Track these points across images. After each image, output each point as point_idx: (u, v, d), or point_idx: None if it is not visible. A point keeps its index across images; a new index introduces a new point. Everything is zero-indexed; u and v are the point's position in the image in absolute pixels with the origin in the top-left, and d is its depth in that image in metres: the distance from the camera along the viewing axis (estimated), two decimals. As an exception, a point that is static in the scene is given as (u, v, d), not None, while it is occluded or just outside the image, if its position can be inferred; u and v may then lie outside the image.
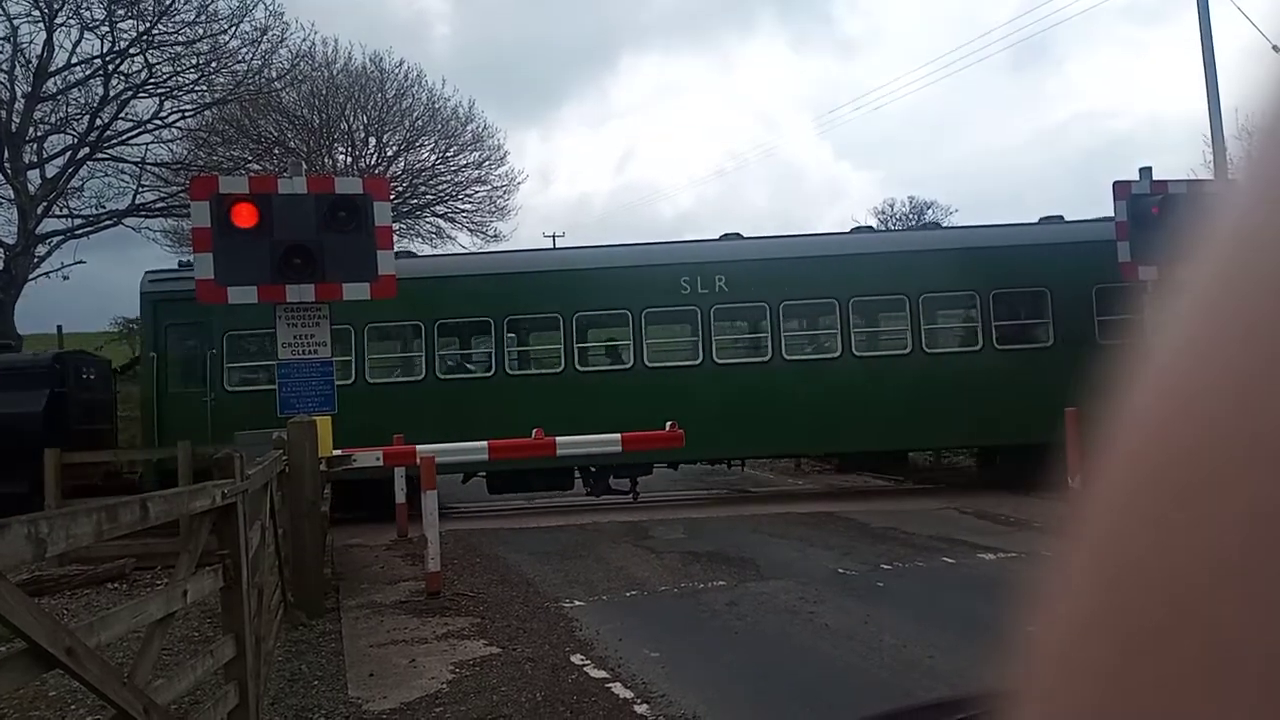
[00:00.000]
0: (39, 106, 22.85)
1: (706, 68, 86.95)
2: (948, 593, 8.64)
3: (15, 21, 22.17)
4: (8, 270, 21.51)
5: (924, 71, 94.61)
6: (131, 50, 23.07)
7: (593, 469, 15.54)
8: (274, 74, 25.46)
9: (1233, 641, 0.25)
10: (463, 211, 31.85)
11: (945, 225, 18.11)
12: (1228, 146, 16.21)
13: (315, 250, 9.84)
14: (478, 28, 65.36)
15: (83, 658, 3.06)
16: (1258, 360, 0.26)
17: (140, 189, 25.04)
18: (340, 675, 6.93)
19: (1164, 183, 13.25)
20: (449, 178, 31.18)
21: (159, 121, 24.47)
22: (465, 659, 7.07)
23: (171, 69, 23.80)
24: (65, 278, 23.17)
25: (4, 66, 22.33)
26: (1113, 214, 17.09)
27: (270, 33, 24.49)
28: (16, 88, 22.52)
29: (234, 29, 23.95)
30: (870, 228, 17.28)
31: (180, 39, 23.42)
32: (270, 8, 24.25)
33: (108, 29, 22.65)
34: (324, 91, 28.35)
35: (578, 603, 8.70)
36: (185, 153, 25.54)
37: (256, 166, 25.77)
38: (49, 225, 23.43)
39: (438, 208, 31.68)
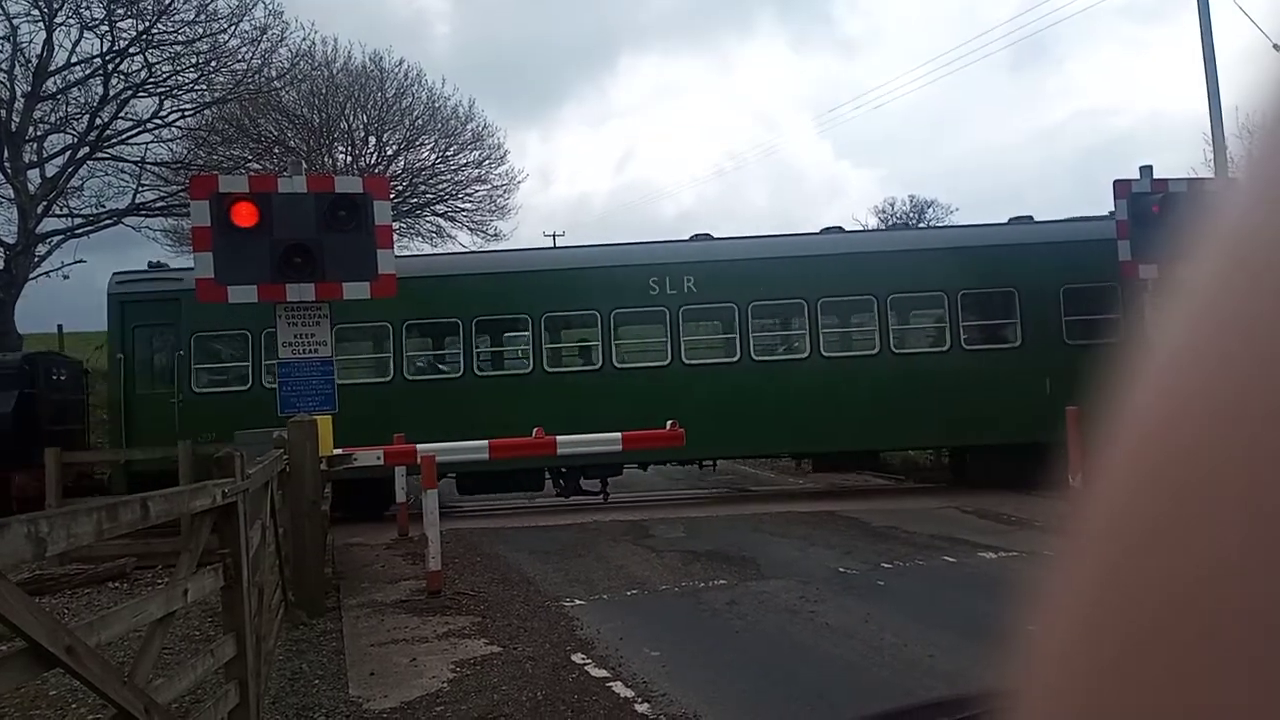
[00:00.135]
0: (39, 106, 22.84)
1: (706, 67, 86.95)
2: (949, 592, 8.65)
3: (15, 21, 22.18)
4: (8, 269, 21.50)
5: (924, 70, 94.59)
6: (131, 49, 23.05)
7: (563, 470, 15.55)
8: (274, 73, 25.45)
9: (1233, 641, 0.25)
10: (463, 210, 31.85)
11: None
12: (1228, 145, 16.21)
13: (315, 249, 9.84)
14: (478, 27, 65.39)
15: (83, 657, 3.06)
16: (1258, 359, 0.26)
17: (140, 188, 25.04)
18: (341, 674, 6.93)
19: (1164, 181, 13.26)
20: (449, 177, 31.17)
21: (159, 121, 24.46)
22: (466, 658, 7.07)
23: (171, 68, 23.79)
24: (65, 277, 23.16)
25: (4, 66, 22.33)
26: (1085, 215, 17.27)
27: (270, 32, 24.50)
28: (16, 87, 22.52)
29: (233, 28, 23.94)
30: (840, 228, 17.18)
31: (180, 38, 23.40)
32: (270, 7, 24.25)
33: (107, 28, 22.64)
34: (324, 91, 28.33)
35: (578, 602, 8.70)
36: (185, 152, 25.52)
37: (256, 166, 25.77)
38: (49, 224, 23.42)
39: (438, 207, 31.67)
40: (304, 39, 26.88)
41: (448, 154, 30.73)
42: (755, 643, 7.21)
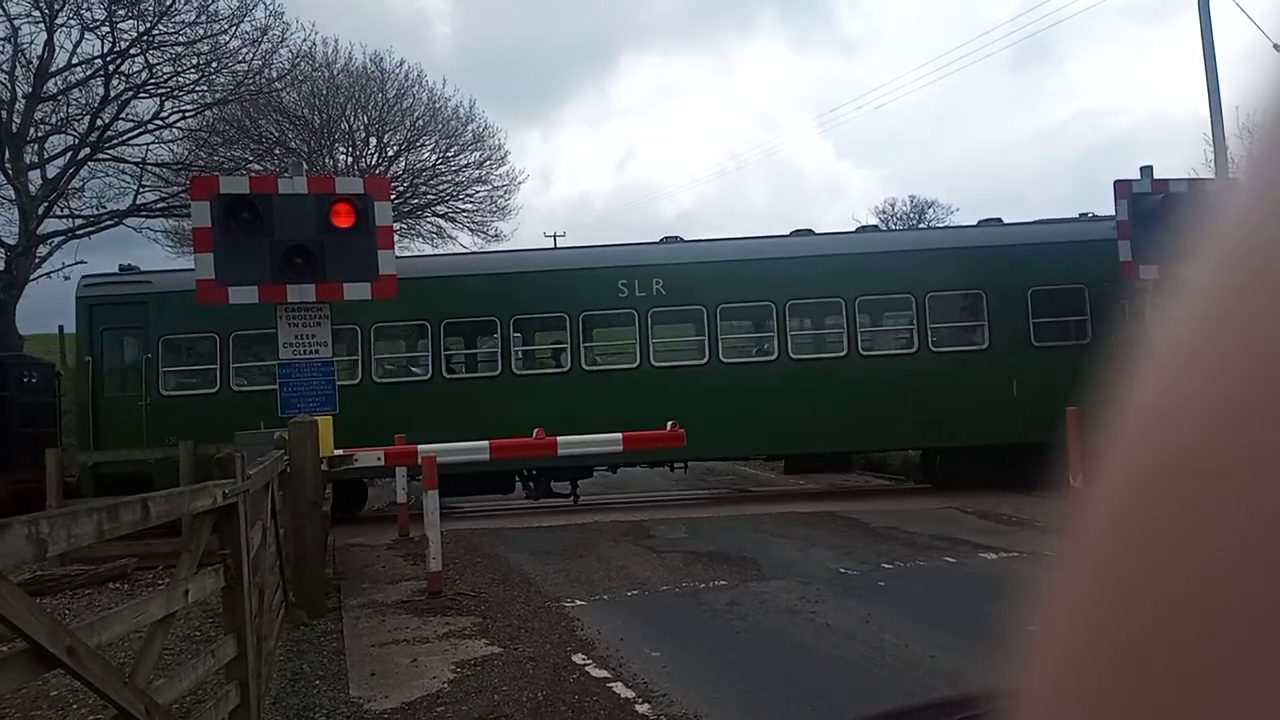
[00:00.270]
0: (40, 107, 22.85)
1: (707, 67, 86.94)
2: (949, 592, 8.65)
3: (16, 22, 22.19)
4: (9, 271, 21.51)
5: (925, 70, 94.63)
6: (132, 51, 23.07)
7: (534, 472, 15.53)
8: (274, 74, 25.45)
9: (1233, 640, 0.25)
10: (463, 211, 31.85)
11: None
12: (1229, 145, 16.21)
13: (316, 250, 9.85)
14: (478, 27, 65.41)
15: (84, 657, 3.06)
16: (1258, 359, 0.26)
17: (141, 189, 25.05)
18: (342, 675, 6.93)
19: (1165, 181, 13.26)
20: (450, 177, 31.17)
21: (160, 122, 24.48)
22: (466, 658, 7.07)
23: (172, 69, 23.80)
24: (66, 278, 23.10)
25: (5, 67, 22.34)
26: (1055, 216, 17.34)
27: (271, 33, 24.51)
28: (17, 88, 22.53)
29: (234, 29, 23.95)
30: (810, 231, 17.18)
31: (181, 39, 23.41)
32: (270, 8, 24.26)
33: (108, 29, 22.65)
34: (324, 91, 28.34)
35: (579, 602, 8.70)
36: (186, 153, 25.54)
37: (257, 166, 25.78)
38: (50, 225, 23.43)
39: (438, 207, 31.67)
40: (305, 40, 27.01)
41: (448, 155, 30.76)
42: (756, 643, 7.21)
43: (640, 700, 5.95)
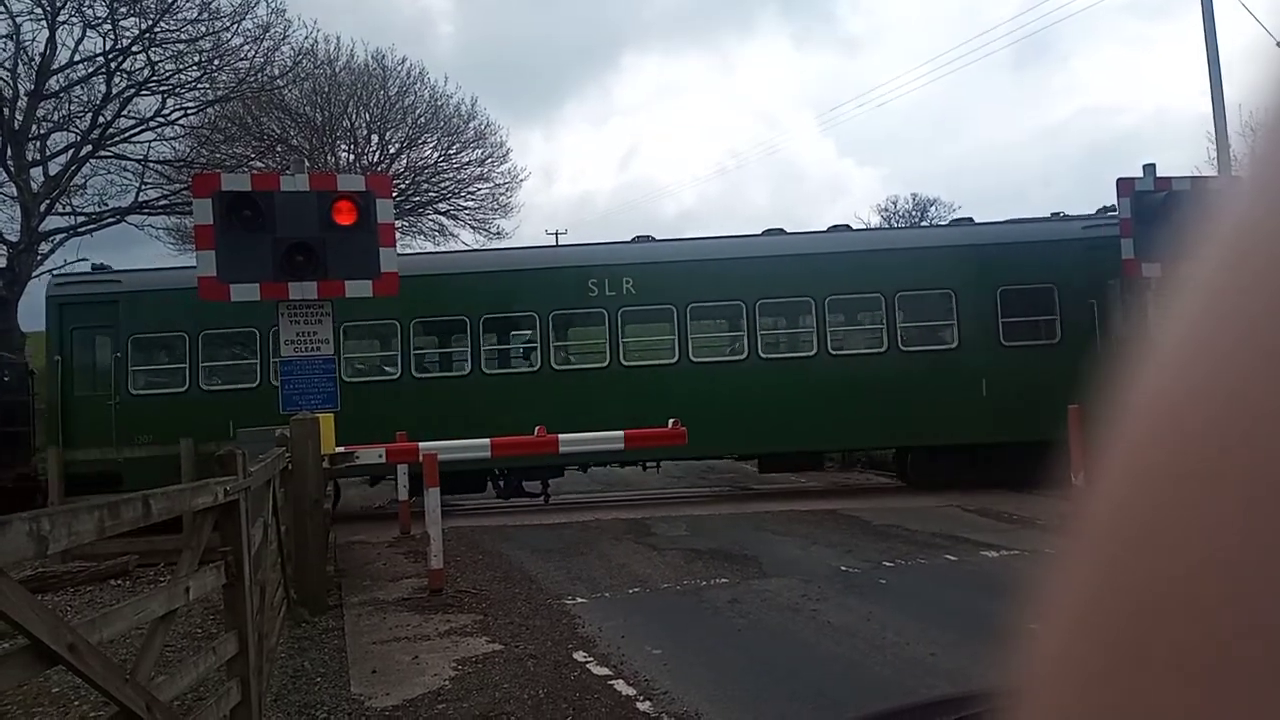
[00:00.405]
0: (42, 104, 22.86)
1: (709, 66, 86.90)
2: (950, 590, 8.65)
3: (18, 19, 22.20)
4: (11, 268, 21.53)
5: (927, 68, 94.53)
6: (134, 48, 23.08)
7: (504, 471, 15.53)
8: (276, 71, 25.45)
9: (1232, 638, 0.25)
10: (465, 209, 31.84)
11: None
12: (1231, 143, 16.18)
13: (318, 247, 9.85)
14: (480, 26, 65.39)
15: (85, 654, 3.06)
16: (1259, 357, 0.26)
17: (143, 186, 25.07)
18: (343, 672, 6.94)
19: (1167, 179, 13.23)
20: (451, 175, 31.16)
21: (161, 119, 24.48)
22: (468, 656, 7.08)
23: (174, 66, 23.80)
24: (68, 276, 23.19)
25: (7, 64, 22.35)
26: (1026, 216, 17.34)
27: (273, 30, 24.51)
28: (19, 85, 22.54)
29: (236, 26, 23.96)
30: (781, 230, 17.14)
31: (183, 36, 23.42)
32: (273, 5, 24.28)
33: (110, 27, 22.66)
34: (326, 89, 28.34)
35: (580, 600, 8.71)
36: (188, 150, 25.54)
37: (259, 164, 25.78)
38: (52, 223, 23.46)
39: (440, 205, 31.67)
40: (307, 37, 26.88)
41: (450, 152, 30.75)
42: (757, 641, 7.22)
43: (641, 698, 5.96)
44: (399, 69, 29.62)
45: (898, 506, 13.56)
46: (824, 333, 15.67)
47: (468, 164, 31.07)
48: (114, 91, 23.34)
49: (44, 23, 22.32)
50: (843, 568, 9.61)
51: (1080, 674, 0.29)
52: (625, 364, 15.61)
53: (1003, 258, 15.50)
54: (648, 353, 16.19)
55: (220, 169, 21.87)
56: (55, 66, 22.78)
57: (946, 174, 77.15)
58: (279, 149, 27.19)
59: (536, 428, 11.36)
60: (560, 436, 11.11)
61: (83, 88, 23.46)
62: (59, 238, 23.72)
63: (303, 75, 26.63)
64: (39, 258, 22.65)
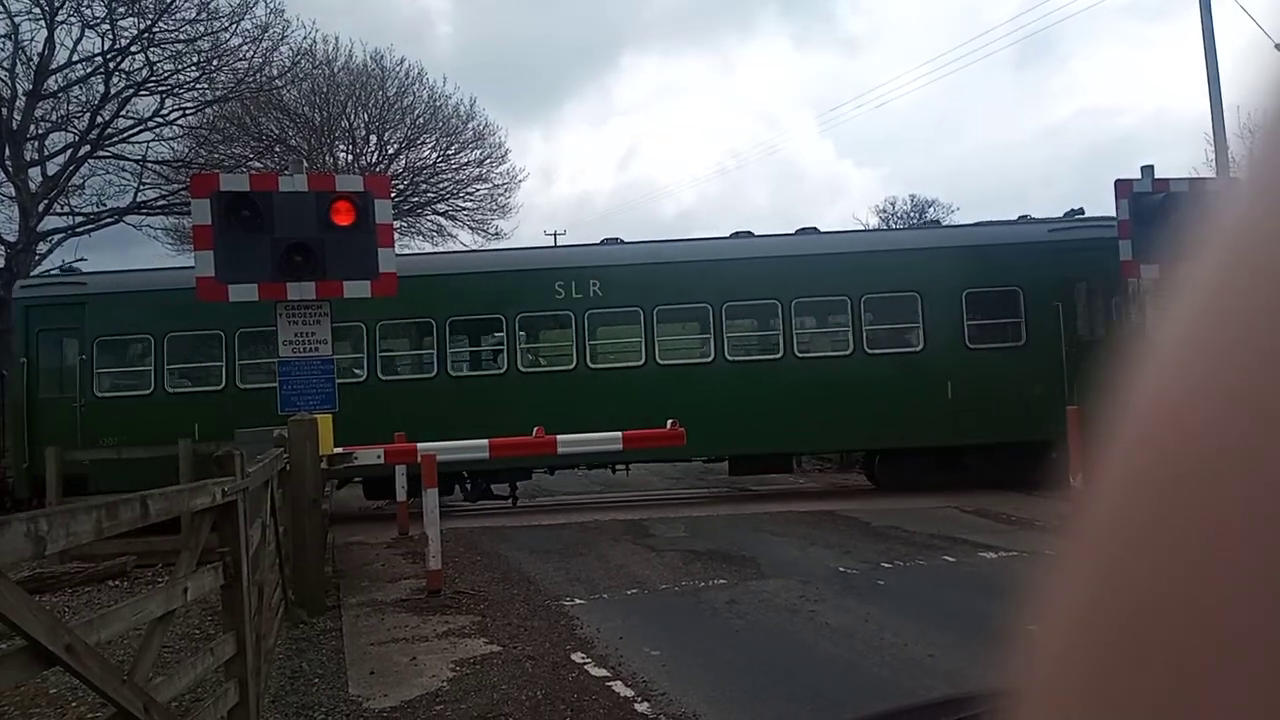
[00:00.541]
0: (40, 104, 22.86)
1: (709, 65, 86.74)
2: (949, 591, 8.65)
3: (16, 19, 22.20)
4: (9, 268, 21.51)
5: (927, 68, 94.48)
6: (132, 48, 23.07)
7: (470, 473, 15.52)
8: (275, 72, 25.45)
9: (1232, 639, 0.25)
10: (464, 209, 31.83)
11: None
12: (1230, 145, 16.21)
13: (316, 248, 9.85)
14: (479, 26, 65.26)
15: (82, 655, 3.06)
16: (1257, 357, 0.26)
17: (141, 187, 25.07)
18: (341, 673, 6.93)
19: (1165, 181, 13.24)
20: (450, 176, 31.15)
21: (160, 119, 24.48)
22: (466, 657, 7.07)
23: (172, 67, 23.80)
24: (66, 276, 23.17)
25: (5, 64, 22.36)
26: (995, 219, 17.37)
27: (271, 30, 24.51)
28: (18, 85, 22.54)
29: (235, 26, 23.96)
30: (749, 233, 17.13)
31: (181, 37, 23.41)
32: (271, 5, 24.27)
33: (109, 27, 22.65)
34: (325, 89, 28.33)
35: (578, 601, 8.71)
36: (186, 150, 25.54)
37: (258, 164, 25.78)
38: (50, 223, 23.46)
39: (439, 206, 31.65)
40: (305, 37, 26.90)
41: (449, 153, 30.74)
42: (755, 642, 7.22)
43: (639, 699, 5.96)
44: (397, 69, 29.65)
45: (896, 508, 13.56)
46: (790, 335, 15.68)
47: (466, 164, 31.09)
48: (112, 91, 23.34)
49: (42, 23, 22.33)
50: (841, 569, 9.61)
51: (1080, 675, 0.29)
52: (592, 366, 15.61)
53: (968, 260, 15.54)
54: (615, 355, 16.19)
55: (218, 169, 21.88)
56: (53, 66, 22.77)
57: (946, 174, 77.06)
58: (277, 149, 27.19)
59: (535, 429, 11.36)
60: (559, 438, 11.11)
61: (81, 88, 23.46)
62: (57, 238, 23.73)
63: (301, 75, 26.64)
64: (37, 258, 22.64)
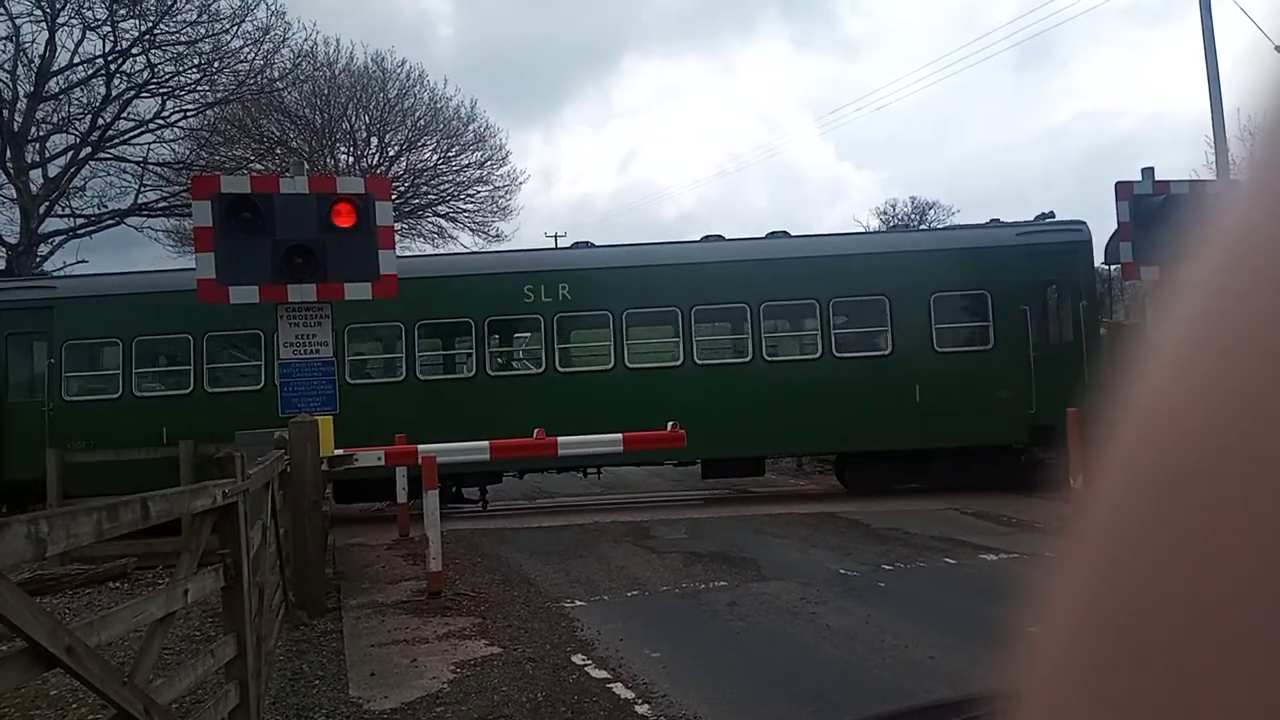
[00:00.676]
0: (41, 106, 22.90)
1: (709, 68, 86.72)
2: (949, 593, 8.64)
3: (17, 21, 22.23)
4: (10, 269, 21.53)
5: (927, 71, 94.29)
6: (133, 50, 23.12)
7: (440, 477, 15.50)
8: (276, 74, 25.50)
9: (1232, 639, 0.25)
10: (464, 211, 31.87)
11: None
12: (1230, 147, 16.21)
13: (317, 250, 9.85)
14: (480, 28, 65.29)
15: (83, 657, 3.06)
16: (1257, 358, 0.26)
17: (142, 188, 25.13)
18: (341, 675, 6.93)
19: (1166, 183, 13.24)
20: (451, 178, 31.19)
21: (161, 121, 24.53)
22: (466, 659, 7.07)
23: (174, 68, 23.84)
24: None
25: (6, 66, 22.39)
26: (968, 222, 17.37)
27: (272, 32, 24.56)
28: (19, 87, 22.58)
29: (236, 29, 24.01)
30: (720, 236, 17.12)
31: (182, 38, 23.46)
32: (272, 7, 24.31)
33: (110, 29, 22.70)
34: (326, 91, 28.36)
35: (579, 603, 8.70)
36: (187, 152, 25.59)
37: (259, 166, 25.81)
38: (51, 225, 23.50)
39: (439, 207, 31.69)
40: (306, 39, 26.96)
41: (449, 155, 30.78)
42: (756, 644, 7.21)
43: (640, 701, 5.95)
44: (398, 71, 29.68)
45: (896, 509, 13.56)
46: (759, 338, 15.69)
47: (467, 166, 31.13)
48: (113, 93, 23.38)
49: (43, 24, 22.38)
50: (841, 571, 9.60)
51: (1080, 676, 0.29)
52: (561, 370, 15.59)
53: (936, 264, 15.57)
54: (585, 359, 16.18)
55: (220, 171, 21.91)
56: (55, 68, 22.82)
57: (947, 177, 77.05)
58: (278, 151, 27.22)
59: (535, 430, 11.36)
60: (559, 439, 11.11)
61: (82, 89, 23.50)
62: (58, 240, 23.76)
63: (302, 77, 26.68)
64: (38, 260, 22.68)
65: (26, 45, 22.55)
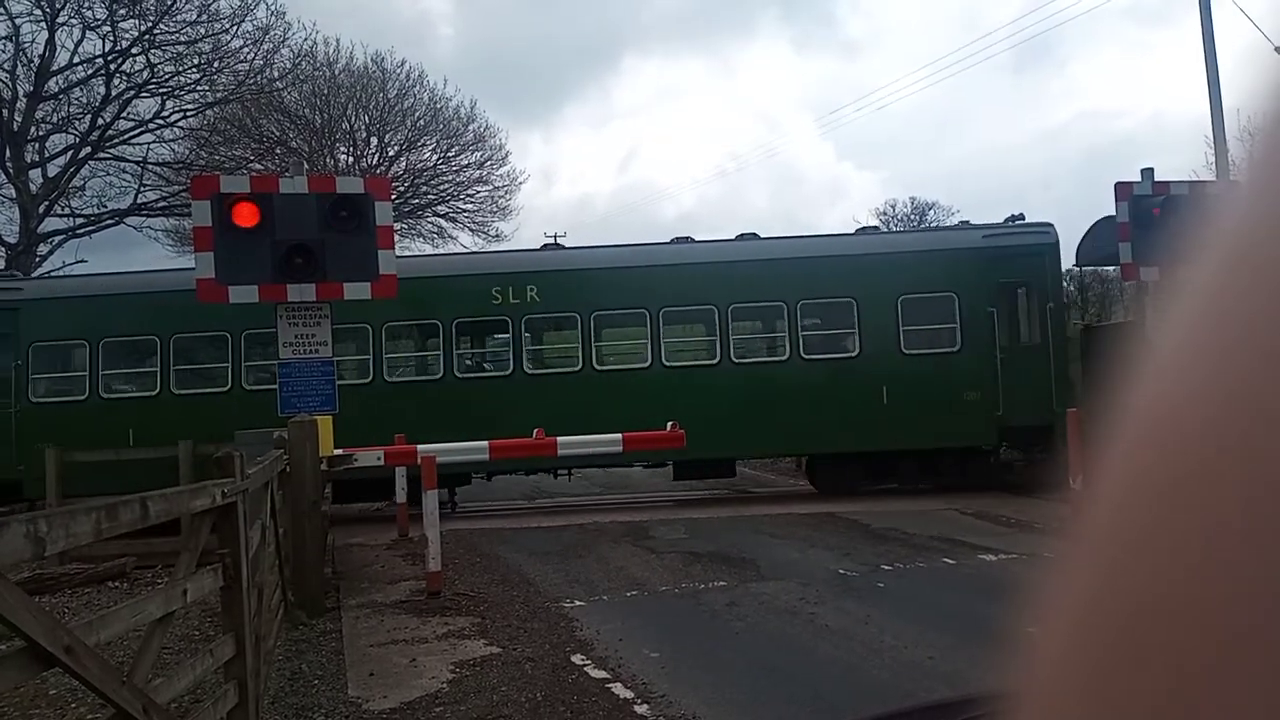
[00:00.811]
0: (41, 106, 22.90)
1: (709, 68, 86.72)
2: (948, 594, 8.64)
3: (17, 21, 22.23)
4: (9, 269, 21.53)
5: (927, 71, 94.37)
6: (133, 50, 23.13)
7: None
8: (276, 73, 25.52)
9: (1232, 640, 0.25)
10: (464, 211, 31.88)
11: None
12: (1229, 148, 16.21)
13: (316, 250, 9.85)
14: (480, 28, 65.27)
15: (82, 656, 3.06)
16: (1257, 358, 0.26)
17: (142, 188, 25.14)
18: (340, 674, 6.93)
19: (1165, 184, 13.24)
20: (450, 178, 31.20)
21: (160, 121, 24.55)
22: (465, 659, 7.07)
23: (173, 68, 23.86)
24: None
25: (6, 66, 22.40)
26: (943, 225, 17.33)
27: (272, 32, 24.59)
28: (19, 87, 22.59)
29: (236, 28, 24.02)
30: (689, 238, 17.12)
31: (182, 38, 23.47)
32: (272, 7, 24.34)
33: (109, 28, 22.71)
34: (326, 91, 28.36)
35: (578, 603, 8.70)
36: (187, 152, 25.59)
37: (258, 166, 25.82)
38: (51, 224, 23.51)
39: (439, 207, 31.70)
40: (306, 39, 26.99)
41: (449, 155, 30.78)
42: (755, 644, 7.21)
43: (639, 701, 5.95)
44: (398, 71, 29.69)
45: (896, 510, 13.56)
46: (728, 340, 15.68)
47: (467, 166, 31.13)
48: (113, 93, 23.39)
49: (43, 24, 22.38)
50: (841, 571, 9.60)
51: (1080, 677, 0.29)
52: (529, 371, 15.59)
53: (904, 266, 15.59)
54: (553, 360, 16.18)
55: (219, 171, 21.90)
56: (54, 68, 22.82)
57: (947, 177, 77.05)
58: (278, 151, 27.23)
59: (535, 430, 11.36)
60: (559, 439, 11.11)
61: (82, 89, 23.51)
62: (58, 239, 23.76)
63: (302, 77, 26.69)
64: (37, 259, 22.68)
65: (26, 45, 22.58)
